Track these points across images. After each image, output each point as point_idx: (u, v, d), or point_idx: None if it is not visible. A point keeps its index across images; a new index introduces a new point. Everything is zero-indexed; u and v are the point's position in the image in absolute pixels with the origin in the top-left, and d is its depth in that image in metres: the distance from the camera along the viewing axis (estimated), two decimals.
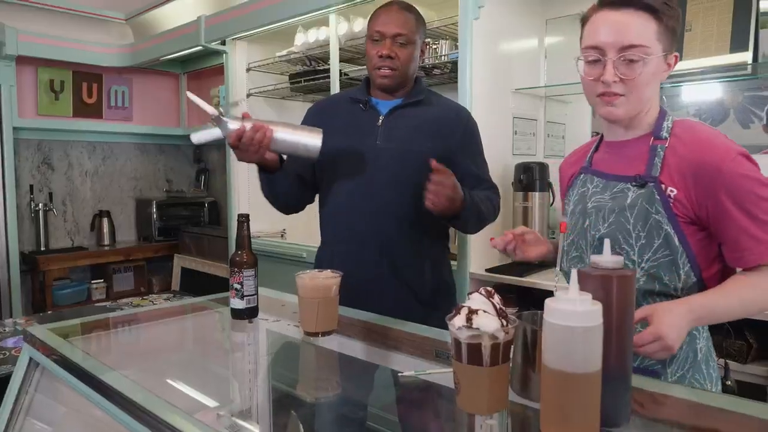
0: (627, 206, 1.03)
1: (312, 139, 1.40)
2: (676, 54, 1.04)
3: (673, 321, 0.89)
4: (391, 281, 1.53)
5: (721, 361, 1.11)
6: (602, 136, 1.17)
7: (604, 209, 1.07)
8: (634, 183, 1.03)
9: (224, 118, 1.38)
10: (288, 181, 1.58)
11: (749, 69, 1.86)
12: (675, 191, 0.99)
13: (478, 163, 1.59)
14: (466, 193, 1.43)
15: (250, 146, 1.38)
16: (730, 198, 0.96)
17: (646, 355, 0.90)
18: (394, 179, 1.50)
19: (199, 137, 1.41)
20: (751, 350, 1.56)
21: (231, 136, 1.38)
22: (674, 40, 1.03)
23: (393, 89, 1.56)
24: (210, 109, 1.37)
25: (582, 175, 1.17)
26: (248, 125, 1.37)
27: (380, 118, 1.55)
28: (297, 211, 1.71)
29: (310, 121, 1.62)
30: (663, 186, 1.00)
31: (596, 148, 1.17)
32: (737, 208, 0.96)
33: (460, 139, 1.56)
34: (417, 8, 1.59)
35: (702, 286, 1.02)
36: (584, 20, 1.07)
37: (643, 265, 1.01)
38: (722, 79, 2.00)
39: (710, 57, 1.91)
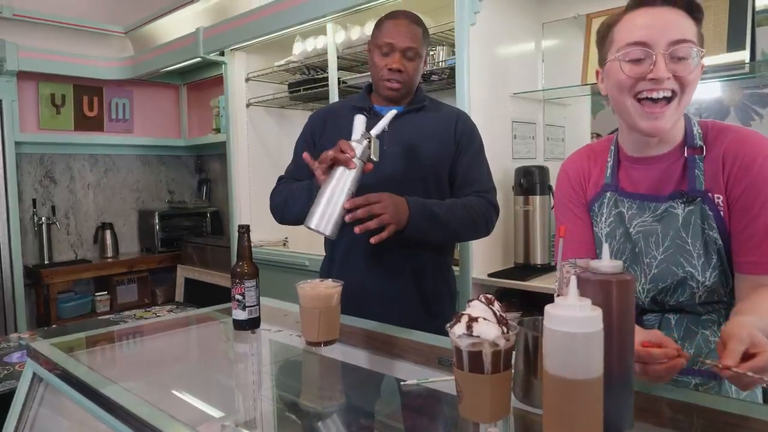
0: (680, 226, 0.99)
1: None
2: (703, 63, 0.98)
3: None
4: (394, 289, 1.52)
5: None
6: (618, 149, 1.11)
7: (654, 234, 1.02)
8: (681, 201, 0.98)
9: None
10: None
11: (747, 68, 1.86)
12: (721, 197, 0.96)
13: (472, 166, 1.57)
14: (417, 202, 1.39)
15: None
16: (761, 195, 0.93)
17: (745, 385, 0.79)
18: (400, 183, 1.47)
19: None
20: None
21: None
22: (701, 41, 0.98)
23: (398, 100, 1.57)
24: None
25: (608, 194, 1.10)
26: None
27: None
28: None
29: (315, 130, 1.63)
30: (711, 196, 0.97)
31: (617, 163, 1.10)
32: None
33: (459, 141, 1.57)
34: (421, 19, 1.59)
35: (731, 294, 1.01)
36: (612, 24, 1.01)
37: (706, 283, 0.99)
38: (720, 79, 2.00)
39: (707, 57, 1.90)
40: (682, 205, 0.98)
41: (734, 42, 1.86)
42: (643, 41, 0.94)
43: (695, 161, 0.98)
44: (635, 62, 0.95)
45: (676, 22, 0.94)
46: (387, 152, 1.50)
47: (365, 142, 1.32)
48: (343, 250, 1.57)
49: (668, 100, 0.95)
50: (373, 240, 1.31)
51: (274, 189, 1.65)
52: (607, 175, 1.11)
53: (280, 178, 1.67)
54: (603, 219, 1.11)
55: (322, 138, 1.60)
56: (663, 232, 1.01)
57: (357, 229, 1.30)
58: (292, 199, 1.53)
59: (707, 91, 2.08)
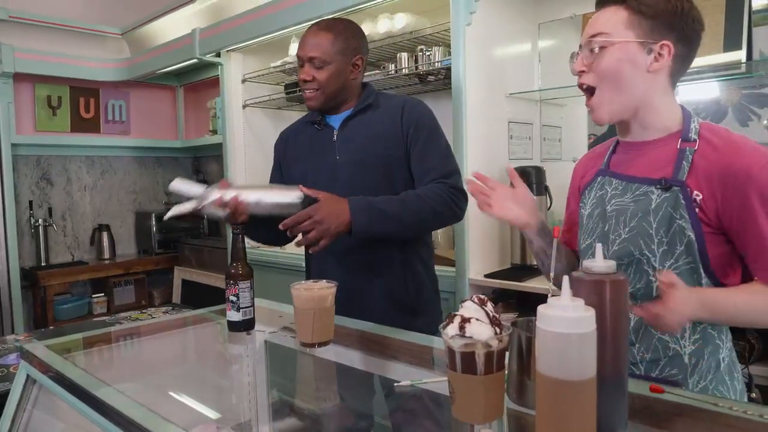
0: (651, 210, 0.99)
1: (288, 197, 1.39)
2: (665, 42, 0.99)
3: (681, 307, 0.87)
4: (370, 291, 1.50)
5: (746, 371, 1.08)
6: (617, 138, 1.14)
7: (626, 213, 1.03)
8: (659, 186, 0.99)
9: (207, 193, 1.40)
10: (265, 229, 1.53)
11: (743, 68, 1.86)
12: (701, 196, 0.96)
13: (425, 155, 1.50)
14: (360, 202, 1.38)
15: (233, 212, 1.39)
16: (759, 205, 0.92)
17: (645, 318, 0.89)
18: (353, 190, 1.44)
19: (174, 211, 1.46)
20: (753, 351, 1.55)
21: (214, 203, 1.39)
22: (662, 28, 0.99)
23: (327, 108, 1.56)
24: (195, 191, 1.42)
25: (599, 178, 1.12)
26: (227, 195, 1.38)
27: (335, 133, 1.55)
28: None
29: (279, 153, 1.69)
30: (689, 190, 0.97)
31: (614, 150, 1.14)
32: (766, 216, 0.92)
33: (407, 134, 1.51)
34: (346, 23, 1.55)
35: None
36: None
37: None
38: (717, 79, 1.99)
39: (704, 56, 1.91)
40: (659, 191, 0.99)
41: (731, 42, 1.86)
42: (582, 39, 1.05)
43: (685, 153, 0.99)
44: (574, 59, 1.06)
45: (600, 18, 1.02)
46: (338, 162, 1.52)
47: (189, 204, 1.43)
48: (315, 259, 1.58)
49: (591, 92, 1.04)
50: (311, 251, 1.36)
51: None
52: (604, 161, 1.14)
53: None
54: (587, 201, 1.14)
55: (285, 158, 1.66)
56: (633, 212, 1.02)
57: (295, 243, 1.37)
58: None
59: (704, 92, 2.07)
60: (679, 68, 1.03)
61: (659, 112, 1.03)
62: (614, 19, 1.00)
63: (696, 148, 0.98)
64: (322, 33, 1.50)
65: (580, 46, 1.06)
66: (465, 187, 1.46)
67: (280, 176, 1.69)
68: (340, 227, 1.33)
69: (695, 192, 0.96)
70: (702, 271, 0.97)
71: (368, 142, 1.51)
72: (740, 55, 1.84)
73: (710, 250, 0.96)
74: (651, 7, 0.98)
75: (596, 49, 1.01)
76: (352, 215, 1.35)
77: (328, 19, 1.58)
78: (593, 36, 1.02)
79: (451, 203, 1.46)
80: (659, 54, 0.99)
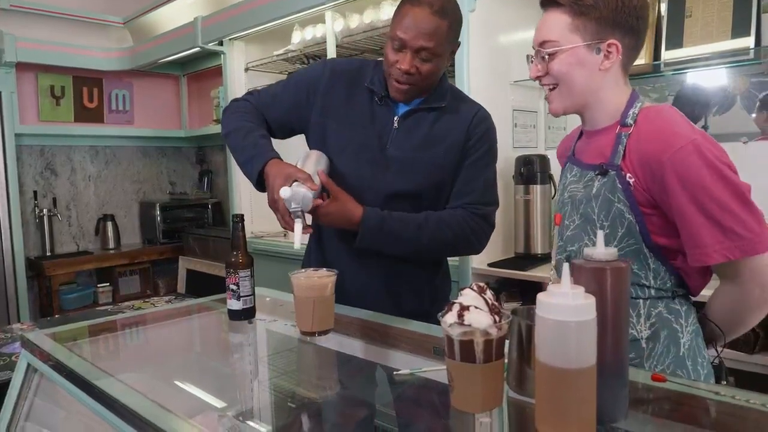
0: (593, 196, 1.03)
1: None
2: (612, 41, 1.00)
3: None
4: (382, 300, 1.40)
5: (716, 359, 1.07)
6: None
7: (576, 199, 1.07)
8: (597, 172, 1.03)
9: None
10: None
11: (751, 54, 1.83)
12: (633, 179, 0.98)
13: (471, 176, 1.38)
14: (374, 217, 1.29)
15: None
16: (679, 188, 0.92)
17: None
18: (397, 192, 1.35)
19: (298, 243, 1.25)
20: (758, 340, 1.54)
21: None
22: (606, 27, 1.00)
23: (410, 99, 1.37)
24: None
25: (567, 164, 1.16)
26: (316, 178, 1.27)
27: (395, 119, 1.37)
28: None
29: (316, 82, 1.41)
30: (623, 173, 0.99)
31: (580, 136, 1.17)
32: (687, 203, 0.92)
33: (467, 143, 1.38)
34: (455, 4, 1.31)
35: (678, 278, 1.01)
36: None
37: None
38: (724, 65, 1.97)
39: (711, 43, 1.88)
40: (599, 176, 1.02)
41: (739, 28, 1.83)
42: (533, 43, 1.08)
43: (620, 138, 1.01)
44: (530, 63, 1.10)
45: (544, 24, 1.05)
46: (391, 155, 1.36)
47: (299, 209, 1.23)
48: (332, 250, 1.46)
49: (551, 88, 1.07)
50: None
51: (237, 105, 1.47)
52: (572, 147, 1.17)
53: (250, 93, 1.51)
54: (559, 187, 1.20)
55: (321, 100, 1.40)
56: (581, 198, 1.06)
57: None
58: (238, 145, 1.38)
59: (712, 79, 2.04)
60: (630, 58, 1.05)
61: (608, 103, 1.05)
62: (559, 24, 1.02)
63: (630, 132, 1.00)
64: (437, 19, 1.24)
65: (535, 51, 1.08)
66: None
67: (304, 105, 1.42)
68: (335, 227, 1.31)
69: (628, 175, 0.98)
70: (647, 251, 0.99)
71: (427, 143, 1.35)
72: (748, 41, 1.81)
73: (653, 231, 0.98)
74: (592, 8, 1.00)
75: (546, 57, 1.04)
76: (360, 233, 1.29)
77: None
78: (542, 44, 1.04)
79: (471, 236, 1.36)
80: (608, 52, 1.01)
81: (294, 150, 1.47)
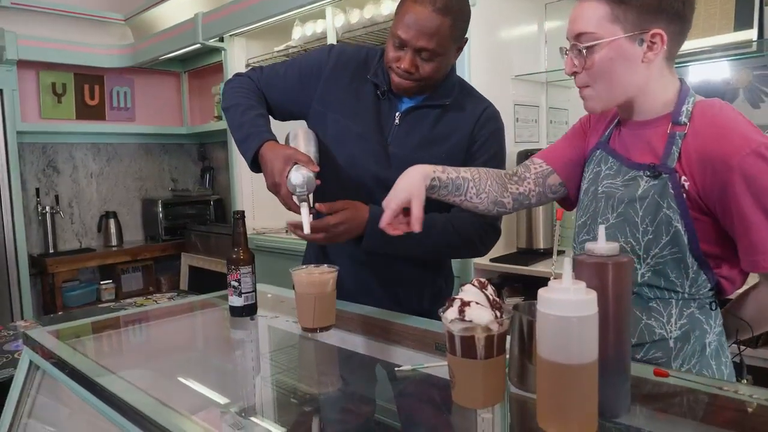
0: (637, 197, 0.96)
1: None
2: (656, 31, 0.92)
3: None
4: (382, 300, 1.39)
5: (737, 357, 1.06)
6: None
7: (614, 197, 1.00)
8: (647, 173, 0.95)
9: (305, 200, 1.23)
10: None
11: (754, 46, 1.82)
12: (689, 182, 0.92)
13: None
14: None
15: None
16: (743, 188, 0.88)
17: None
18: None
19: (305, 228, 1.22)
20: (762, 334, 1.53)
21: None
22: (649, 15, 0.92)
23: (414, 95, 1.33)
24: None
25: (598, 152, 1.08)
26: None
27: (397, 115, 1.34)
28: None
29: (321, 65, 1.37)
30: (678, 176, 0.92)
31: (617, 123, 1.08)
32: (752, 207, 0.88)
33: (473, 142, 1.34)
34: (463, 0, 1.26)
35: (718, 287, 0.98)
36: None
37: (648, 260, 0.96)
38: (727, 58, 1.95)
39: (714, 36, 1.86)
40: (648, 178, 0.95)
41: (741, 21, 1.82)
42: (567, 36, 0.98)
43: (675, 138, 0.95)
44: (567, 55, 1.00)
45: (581, 14, 0.96)
46: (392, 152, 1.33)
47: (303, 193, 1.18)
48: (327, 252, 1.46)
49: (586, 85, 1.00)
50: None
51: (241, 80, 1.43)
52: (605, 134, 1.09)
53: (253, 70, 1.47)
54: (586, 175, 1.11)
55: (324, 83, 1.36)
56: (621, 197, 0.99)
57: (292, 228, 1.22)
58: (236, 122, 1.33)
59: (714, 72, 2.03)
60: (677, 45, 0.97)
61: (655, 95, 0.98)
62: (597, 14, 0.93)
63: (685, 132, 0.94)
64: (439, 17, 1.18)
65: (570, 44, 1.00)
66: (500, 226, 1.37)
67: (308, 86, 1.38)
68: (351, 237, 1.25)
69: (683, 177, 0.93)
70: (690, 260, 0.94)
71: (428, 142, 1.32)
72: (751, 34, 1.80)
73: (702, 237, 0.94)
74: None
75: (584, 51, 0.96)
76: (367, 234, 1.24)
77: None
78: (578, 36, 0.96)
79: (477, 240, 1.33)
80: (651, 42, 0.93)
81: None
